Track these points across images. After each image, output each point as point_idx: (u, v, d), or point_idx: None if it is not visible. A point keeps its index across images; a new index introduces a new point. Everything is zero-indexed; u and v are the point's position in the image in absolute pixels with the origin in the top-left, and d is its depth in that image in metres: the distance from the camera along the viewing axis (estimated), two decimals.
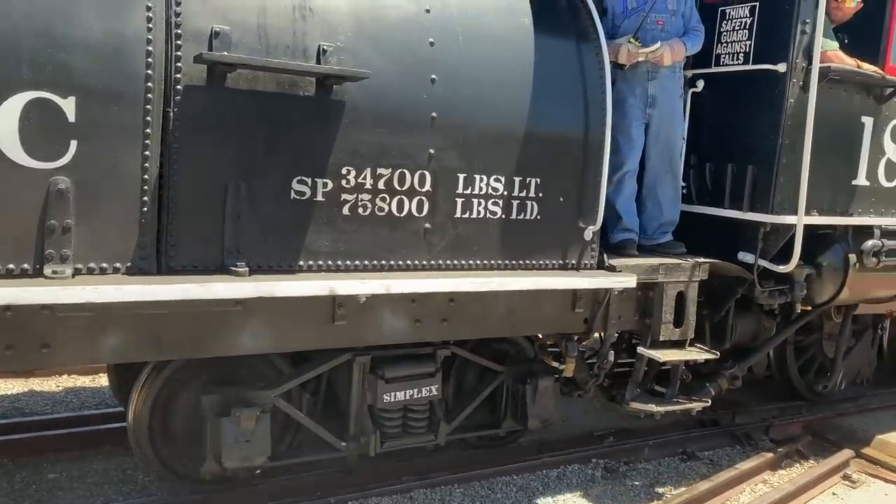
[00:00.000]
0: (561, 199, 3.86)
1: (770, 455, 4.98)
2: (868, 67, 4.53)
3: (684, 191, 4.87)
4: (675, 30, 4.40)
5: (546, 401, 4.15)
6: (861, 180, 4.81)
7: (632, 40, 4.17)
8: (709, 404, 4.34)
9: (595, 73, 3.91)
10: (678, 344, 4.30)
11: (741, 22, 4.59)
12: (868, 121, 4.76)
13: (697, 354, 4.27)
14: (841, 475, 4.89)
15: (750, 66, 4.46)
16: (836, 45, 4.45)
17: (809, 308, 5.06)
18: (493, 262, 3.70)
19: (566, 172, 3.87)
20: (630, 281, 3.88)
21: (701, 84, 4.75)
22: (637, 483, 4.55)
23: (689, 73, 4.80)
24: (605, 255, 4.07)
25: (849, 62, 4.45)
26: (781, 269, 4.43)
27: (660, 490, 4.47)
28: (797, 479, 4.61)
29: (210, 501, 3.73)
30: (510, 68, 3.69)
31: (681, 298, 4.26)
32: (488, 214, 3.67)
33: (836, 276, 4.81)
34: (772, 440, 5.33)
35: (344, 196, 3.26)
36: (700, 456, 5.04)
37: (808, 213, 4.51)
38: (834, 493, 4.68)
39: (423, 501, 4.04)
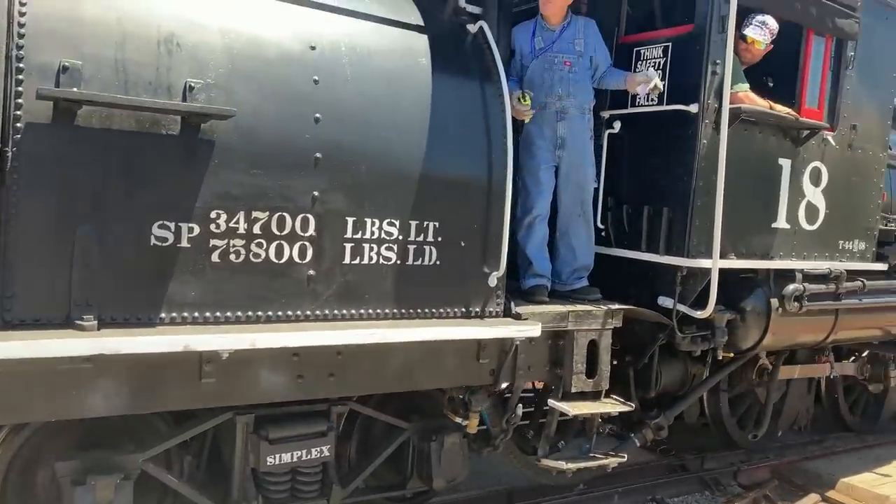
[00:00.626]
0: (463, 244, 3.66)
1: (738, 501, 5.02)
2: (781, 109, 4.47)
3: (603, 234, 4.73)
4: (583, 70, 4.30)
5: (452, 459, 3.88)
6: (781, 223, 4.72)
7: (521, 98, 4.01)
8: (625, 459, 4.11)
9: (498, 116, 3.76)
10: (593, 395, 4.09)
11: (655, 62, 4.52)
12: (786, 163, 4.69)
13: (611, 407, 4.05)
14: None
15: (664, 107, 4.36)
16: (746, 86, 4.39)
17: (732, 355, 4.90)
18: (387, 311, 3.46)
19: (468, 216, 3.68)
20: (533, 330, 3.67)
21: (618, 125, 4.65)
22: None
23: (607, 113, 4.70)
24: (511, 303, 3.87)
25: (761, 103, 4.38)
26: (699, 314, 4.27)
27: None
28: None
29: None
30: (405, 108, 3.52)
31: (593, 347, 4.06)
32: (381, 260, 3.44)
33: (759, 322, 4.67)
34: (740, 485, 5.38)
35: (213, 242, 3.01)
36: (669, 502, 5.05)
37: (725, 256, 4.39)
38: None
39: None
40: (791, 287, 4.66)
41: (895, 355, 6.45)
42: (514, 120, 4.02)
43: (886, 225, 5.82)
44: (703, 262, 4.20)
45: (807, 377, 6.03)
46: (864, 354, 6.52)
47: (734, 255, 4.43)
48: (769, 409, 5.50)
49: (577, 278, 4.38)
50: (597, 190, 4.64)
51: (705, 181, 4.21)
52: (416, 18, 3.74)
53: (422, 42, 3.69)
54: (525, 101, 4.02)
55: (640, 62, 4.61)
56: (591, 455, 4.15)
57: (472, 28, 3.87)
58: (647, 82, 4.16)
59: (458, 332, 3.53)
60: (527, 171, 4.28)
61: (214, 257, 3.02)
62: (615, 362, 4.87)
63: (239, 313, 3.09)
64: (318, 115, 3.24)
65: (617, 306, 4.19)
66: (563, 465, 3.90)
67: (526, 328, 3.65)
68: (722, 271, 4.57)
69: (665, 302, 4.44)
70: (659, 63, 4.49)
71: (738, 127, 4.38)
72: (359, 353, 3.36)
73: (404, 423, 3.97)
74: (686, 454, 5.80)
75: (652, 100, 4.47)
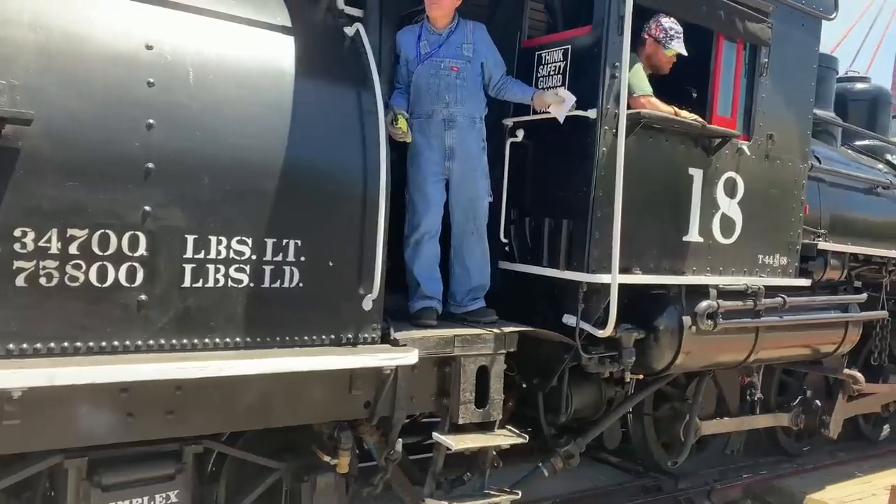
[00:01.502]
0: (331, 264, 3.32)
1: None
2: (687, 115, 4.22)
3: (507, 248, 4.44)
4: (473, 77, 4.01)
5: (327, 501, 3.52)
6: (693, 237, 4.46)
7: (394, 121, 3.69)
8: (518, 496, 3.78)
9: (372, 125, 3.44)
10: (485, 426, 3.76)
11: (555, 66, 4.26)
12: (697, 173, 4.45)
13: (502, 440, 3.72)
14: None
15: (569, 100, 4.07)
16: (650, 90, 4.14)
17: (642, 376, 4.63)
18: (239, 339, 3.09)
19: (338, 233, 3.34)
20: (408, 357, 3.34)
21: (521, 134, 4.37)
22: None
23: (509, 121, 4.43)
24: (392, 328, 3.54)
25: (664, 109, 4.13)
26: (601, 333, 3.98)
27: None
28: None
29: None
30: (262, 115, 3.18)
31: (484, 374, 3.74)
32: (231, 283, 3.09)
33: (671, 341, 4.40)
34: None
35: (18, 264, 2.64)
36: None
37: (629, 271, 4.12)
38: None
39: None
40: (704, 304, 4.39)
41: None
42: None
43: (814, 239, 5.61)
44: (604, 278, 3.92)
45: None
46: (797, 404, 6.23)
47: (639, 270, 4.16)
48: (691, 434, 5.22)
49: (473, 299, 4.07)
50: (499, 202, 4.35)
51: (605, 191, 3.94)
52: (282, 19, 3.42)
53: (286, 44, 3.36)
54: (398, 123, 3.72)
55: (541, 66, 4.35)
56: (486, 491, 3.80)
57: (349, 31, 3.57)
58: (559, 103, 3.90)
59: (320, 362, 3.17)
60: (413, 184, 3.98)
61: (19, 281, 2.64)
62: (524, 385, 4.60)
63: (52, 344, 2.71)
64: (150, 120, 2.88)
65: (511, 328, 3.88)
66: None
67: (398, 356, 3.31)
68: (632, 288, 4.33)
69: (569, 320, 4.15)
70: (559, 67, 4.23)
71: (641, 134, 4.13)
72: (203, 387, 3.00)
73: (274, 463, 3.60)
74: (660, 474, 5.72)
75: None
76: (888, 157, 7.93)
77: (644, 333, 4.35)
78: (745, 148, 4.67)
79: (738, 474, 5.93)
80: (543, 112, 4.15)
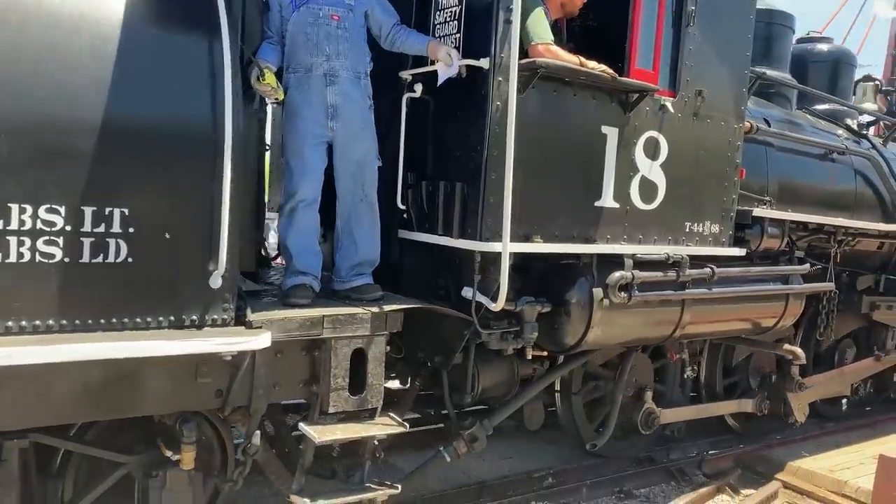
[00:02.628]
0: (168, 237, 2.91)
1: (703, 490, 5.04)
2: (595, 66, 3.80)
3: (405, 216, 4.04)
4: (356, 28, 3.59)
5: (178, 499, 3.16)
6: (607, 202, 4.08)
7: (260, 76, 3.29)
8: (397, 491, 3.44)
9: (220, 75, 3.00)
10: (361, 415, 3.41)
11: (451, 12, 3.83)
12: (611, 132, 4.05)
13: (379, 429, 3.36)
14: None
15: (458, 63, 3.66)
16: (550, 37, 3.71)
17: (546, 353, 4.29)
18: (52, 322, 2.69)
19: (178, 202, 2.92)
20: (254, 342, 2.94)
21: (420, 89, 3.95)
22: None
23: (407, 74, 4.00)
24: (249, 308, 3.15)
25: (567, 58, 3.70)
26: (493, 306, 3.62)
27: None
28: None
29: None
30: (78, 63, 2.74)
31: (361, 358, 3.37)
32: (39, 258, 2.67)
33: (582, 315, 4.04)
34: (704, 474, 5.44)
35: None
36: (636, 494, 5.04)
37: (529, 239, 3.74)
38: None
39: None
40: (616, 275, 4.02)
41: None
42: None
43: (757, 205, 5.22)
44: (497, 246, 3.54)
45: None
46: (762, 388, 6.01)
47: (541, 238, 3.77)
48: (614, 415, 4.90)
49: (357, 275, 3.68)
50: (396, 165, 3.95)
51: (500, 151, 3.53)
52: None
53: None
54: (265, 79, 3.30)
55: (438, 12, 3.92)
56: (367, 485, 3.45)
57: None
58: (448, 63, 3.52)
59: (147, 348, 2.77)
60: (290, 147, 3.57)
61: None
62: (428, 364, 4.25)
63: None
64: None
65: (393, 307, 3.50)
66: (307, 503, 3.19)
67: (240, 340, 2.92)
68: (543, 258, 3.98)
69: (468, 293, 3.78)
70: (455, 13, 3.80)
71: (543, 87, 3.72)
72: (4, 377, 2.62)
73: (123, 457, 3.23)
74: (653, 445, 5.76)
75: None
76: (848, 121, 7.55)
77: (550, 307, 3.99)
78: (669, 105, 4.26)
79: (728, 445, 6.02)
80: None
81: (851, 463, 5.72)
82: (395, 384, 4.90)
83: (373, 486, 3.43)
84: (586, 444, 5.11)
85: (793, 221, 5.43)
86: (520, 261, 4.09)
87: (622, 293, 4.05)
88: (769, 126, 5.83)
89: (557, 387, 5.15)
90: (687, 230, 4.50)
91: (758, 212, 4.83)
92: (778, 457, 5.77)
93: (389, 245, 4.16)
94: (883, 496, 4.61)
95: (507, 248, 3.46)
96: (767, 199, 5.42)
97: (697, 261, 4.56)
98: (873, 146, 7.18)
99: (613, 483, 5.10)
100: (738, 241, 4.86)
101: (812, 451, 5.99)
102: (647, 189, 4.25)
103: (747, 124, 5.25)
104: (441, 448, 4.12)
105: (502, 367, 4.32)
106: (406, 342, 4.31)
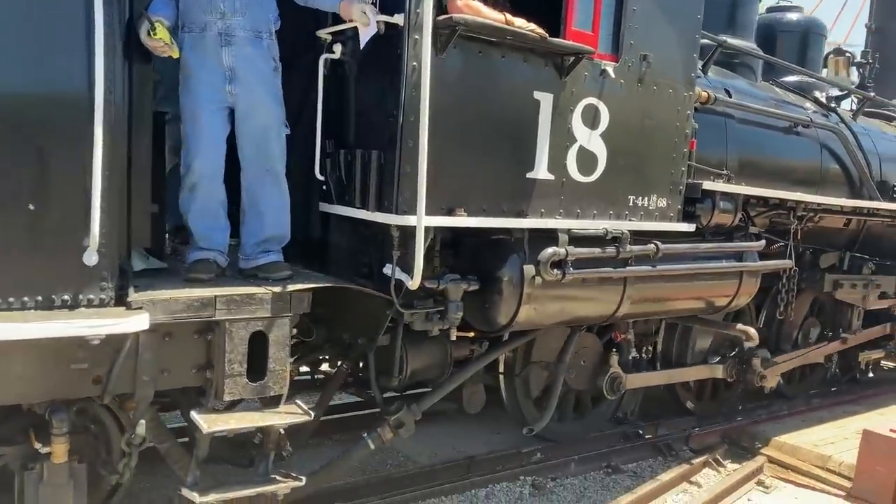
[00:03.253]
0: (32, 208, 2.64)
1: (689, 465, 5.10)
2: (523, 25, 3.52)
3: (325, 187, 3.78)
4: None
5: (56, 494, 2.90)
6: (541, 173, 3.82)
7: (150, 31, 2.99)
8: (301, 483, 3.21)
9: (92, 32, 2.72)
10: (271, 401, 3.17)
11: None
12: (545, 98, 3.78)
13: (279, 418, 3.11)
14: (755, 481, 5.03)
15: (373, 18, 3.37)
16: None
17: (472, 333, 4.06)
18: None
19: (43, 170, 2.65)
20: (126, 324, 2.67)
21: (339, 49, 3.67)
22: (564, 498, 4.55)
23: (325, 33, 3.71)
24: (132, 287, 2.89)
25: (491, 15, 3.42)
26: (410, 284, 3.37)
27: None
28: (714, 488, 4.76)
29: None
30: None
31: (263, 341, 3.12)
32: None
33: (512, 293, 3.80)
34: (691, 450, 5.51)
35: None
36: (624, 469, 5.10)
37: (453, 212, 3.49)
38: (749, 500, 4.78)
39: None
40: (548, 251, 3.78)
41: None
42: None
43: (714, 179, 4.98)
44: (411, 220, 3.29)
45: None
46: (732, 355, 5.87)
47: (465, 212, 3.52)
48: (554, 398, 4.68)
49: (264, 252, 3.42)
50: (312, 132, 3.68)
51: (416, 116, 3.26)
52: None
53: None
54: (156, 34, 3.00)
55: None
56: (272, 476, 3.21)
57: None
58: (365, 23, 3.24)
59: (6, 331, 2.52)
60: (186, 114, 3.28)
61: None
62: (354, 346, 4.02)
63: None
64: None
65: (298, 286, 3.24)
66: (195, 497, 2.95)
67: (110, 323, 2.64)
68: (472, 233, 3.74)
69: (388, 270, 3.54)
70: None
71: (465, 47, 3.45)
72: None
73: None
74: (640, 421, 5.83)
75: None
76: (817, 94, 7.32)
77: (478, 285, 3.75)
78: (610, 70, 4.00)
79: (715, 421, 6.09)
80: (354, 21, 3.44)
81: (836, 438, 5.76)
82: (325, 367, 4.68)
83: (278, 478, 3.20)
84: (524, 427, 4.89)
85: (749, 196, 5.20)
86: (449, 236, 3.87)
87: (555, 270, 3.82)
88: (730, 97, 5.61)
89: (502, 368, 4.96)
90: (631, 204, 4.26)
91: (708, 185, 4.58)
92: (764, 432, 5.81)
93: (310, 219, 3.91)
94: (866, 470, 4.73)
95: (422, 221, 3.21)
96: (725, 173, 5.18)
97: (644, 237, 4.34)
98: (842, 120, 6.96)
99: (601, 458, 5.13)
100: (689, 217, 4.63)
101: (797, 427, 6.03)
102: (586, 160, 4.00)
103: (704, 94, 5.01)
104: (365, 434, 3.89)
105: (434, 348, 4.09)
106: (330, 323, 4.08)
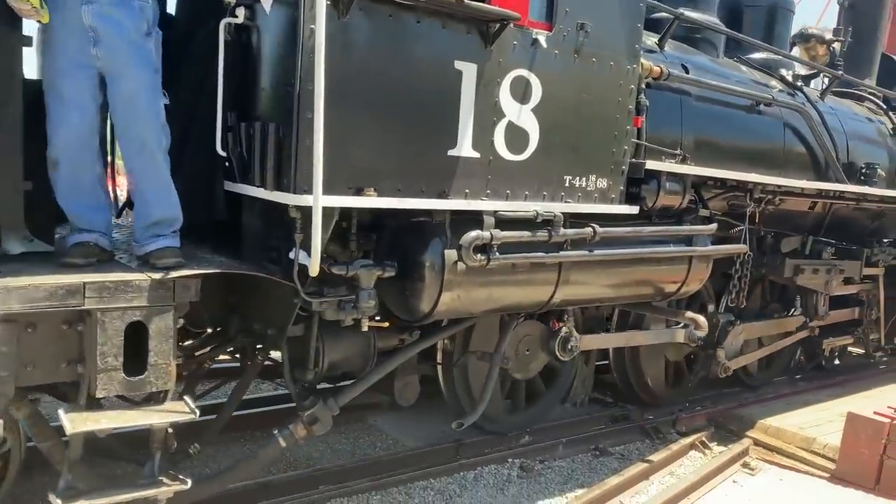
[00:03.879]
0: None
1: (676, 447, 5.12)
2: None
3: (227, 163, 3.48)
4: None
5: None
6: (464, 151, 3.54)
7: None
8: (187, 486, 2.94)
9: None
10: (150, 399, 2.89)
11: None
12: (468, 68, 3.48)
13: (160, 417, 2.83)
14: (741, 463, 5.06)
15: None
16: None
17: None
18: None
19: None
20: None
21: (242, 13, 3.35)
22: (552, 481, 4.58)
23: None
24: None
25: None
26: (311, 269, 3.09)
27: (573, 487, 4.48)
28: (700, 470, 4.77)
29: None
30: None
31: (143, 333, 2.83)
32: None
33: (433, 280, 3.53)
34: (678, 432, 5.53)
35: None
36: (611, 451, 5.13)
37: (362, 192, 3.21)
38: (734, 481, 4.80)
39: None
40: (470, 235, 3.51)
41: None
42: None
43: (665, 159, 4.70)
44: (308, 199, 2.99)
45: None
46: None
47: (374, 192, 3.23)
48: (487, 390, 4.42)
49: (154, 237, 3.10)
50: (212, 103, 3.38)
51: (315, 85, 2.96)
52: None
53: None
54: None
55: None
56: (158, 479, 2.93)
57: None
58: None
59: None
60: (46, 81, 2.95)
61: None
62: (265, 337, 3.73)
63: None
64: None
65: (184, 272, 2.94)
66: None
67: None
68: (390, 214, 3.46)
69: (293, 255, 3.25)
70: None
71: (373, 10, 3.15)
72: None
73: None
74: (628, 405, 5.92)
75: None
76: (783, 72, 7.05)
77: (394, 271, 3.48)
78: (542, 40, 3.70)
79: (702, 404, 6.16)
80: None
81: (820, 421, 5.79)
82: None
83: (166, 480, 2.92)
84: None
85: (703, 178, 4.94)
86: (369, 218, 3.59)
87: (479, 255, 3.54)
88: (686, 73, 5.33)
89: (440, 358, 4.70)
90: (567, 185, 3.99)
91: (652, 165, 4.30)
92: (750, 415, 5.86)
93: (214, 199, 3.61)
94: (850, 452, 4.79)
95: (318, 201, 2.92)
96: (678, 153, 4.91)
97: (583, 219, 4.08)
98: (808, 99, 6.71)
99: (589, 441, 5.17)
100: (633, 199, 4.37)
101: (782, 410, 6.07)
102: (516, 137, 3.72)
103: (656, 69, 4.71)
104: (276, 431, 3.63)
105: (356, 339, 3.81)
106: (245, 312, 3.80)
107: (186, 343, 4.00)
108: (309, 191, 3.02)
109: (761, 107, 6.00)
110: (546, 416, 5.31)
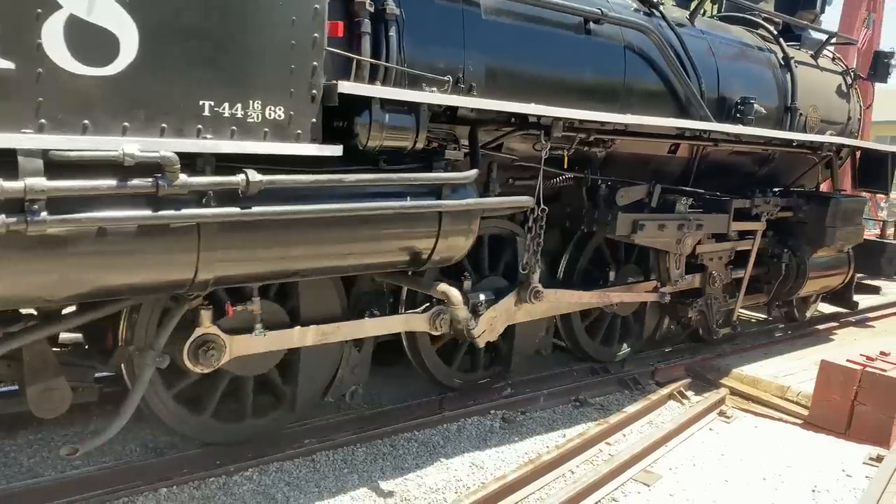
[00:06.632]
0: None
1: (655, 397, 5.18)
2: None
3: None
4: None
5: None
6: None
7: None
8: None
9: None
10: None
11: None
12: None
13: None
14: (717, 412, 5.14)
15: None
16: None
17: None
18: None
19: None
20: None
21: None
22: (533, 431, 4.62)
23: None
24: None
25: None
26: None
27: (555, 437, 4.53)
28: (678, 418, 4.79)
29: None
30: None
31: None
32: None
33: None
34: (657, 383, 5.63)
35: None
36: (592, 402, 5.21)
37: None
38: (711, 429, 4.86)
39: (325, 464, 3.92)
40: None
41: None
42: None
43: (426, 87, 3.50)
44: None
45: None
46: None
47: None
48: (135, 397, 3.26)
49: None
50: None
51: None
52: None
53: None
54: None
55: None
56: None
57: None
58: None
59: None
60: None
61: None
62: None
63: None
64: None
65: None
66: None
67: None
68: None
69: None
70: None
71: None
72: None
73: None
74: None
75: None
76: None
77: None
78: None
79: (680, 356, 6.27)
80: None
81: (795, 370, 5.89)
82: None
83: None
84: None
85: (481, 110, 3.77)
86: None
87: (12, 217, 2.36)
88: None
89: None
90: (207, 113, 2.79)
91: (347, 88, 3.08)
92: (727, 365, 5.96)
93: None
94: (822, 398, 4.96)
95: None
96: (448, 79, 3.72)
97: (267, 165, 2.92)
98: (664, 18, 5.52)
99: (569, 392, 5.24)
100: (337, 136, 3.19)
101: (759, 359, 6.16)
102: (90, 39, 2.50)
103: None
104: None
105: None
106: None
107: None
108: None
109: (591, 26, 4.82)
110: (282, 426, 4.13)
